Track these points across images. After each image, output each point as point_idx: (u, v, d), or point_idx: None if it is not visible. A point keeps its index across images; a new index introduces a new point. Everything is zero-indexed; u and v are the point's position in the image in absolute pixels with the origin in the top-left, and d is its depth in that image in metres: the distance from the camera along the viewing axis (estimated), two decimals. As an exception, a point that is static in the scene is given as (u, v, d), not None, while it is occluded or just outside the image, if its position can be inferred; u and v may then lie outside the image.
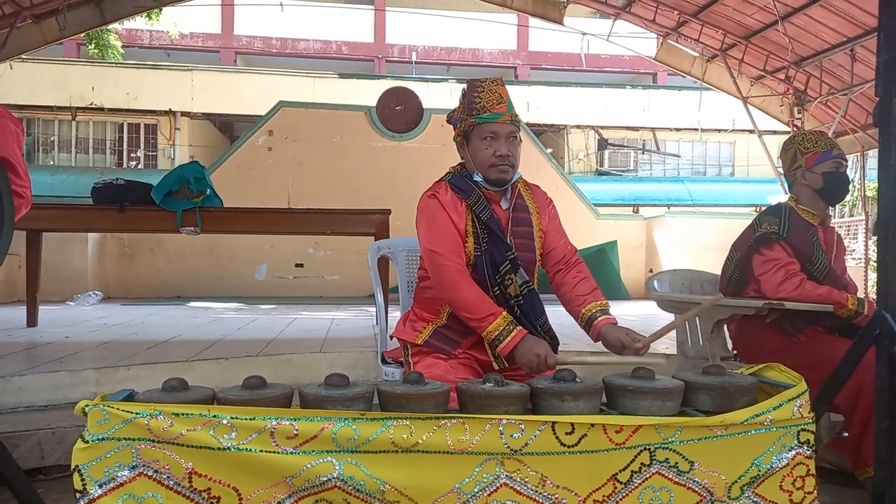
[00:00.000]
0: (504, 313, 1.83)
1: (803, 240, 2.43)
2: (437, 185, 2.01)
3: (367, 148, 10.22)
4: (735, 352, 2.76)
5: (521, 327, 1.83)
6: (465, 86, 2.00)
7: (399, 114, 10.15)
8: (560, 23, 8.20)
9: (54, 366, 3.29)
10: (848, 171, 2.56)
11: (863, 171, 8.89)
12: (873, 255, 8.98)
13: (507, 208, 1.99)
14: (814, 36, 6.71)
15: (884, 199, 1.82)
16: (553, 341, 2.02)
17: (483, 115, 1.91)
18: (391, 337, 2.17)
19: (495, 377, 1.53)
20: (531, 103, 14.81)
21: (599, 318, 1.90)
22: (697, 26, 7.45)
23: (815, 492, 1.57)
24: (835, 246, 2.54)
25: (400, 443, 1.38)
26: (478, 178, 1.96)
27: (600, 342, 1.91)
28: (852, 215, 10.50)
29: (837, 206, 9.72)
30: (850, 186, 2.64)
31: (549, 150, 11.77)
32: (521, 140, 1.99)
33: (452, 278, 1.87)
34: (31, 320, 4.98)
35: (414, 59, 17.81)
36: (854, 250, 9.61)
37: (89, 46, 11.64)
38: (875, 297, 1.84)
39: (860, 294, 2.46)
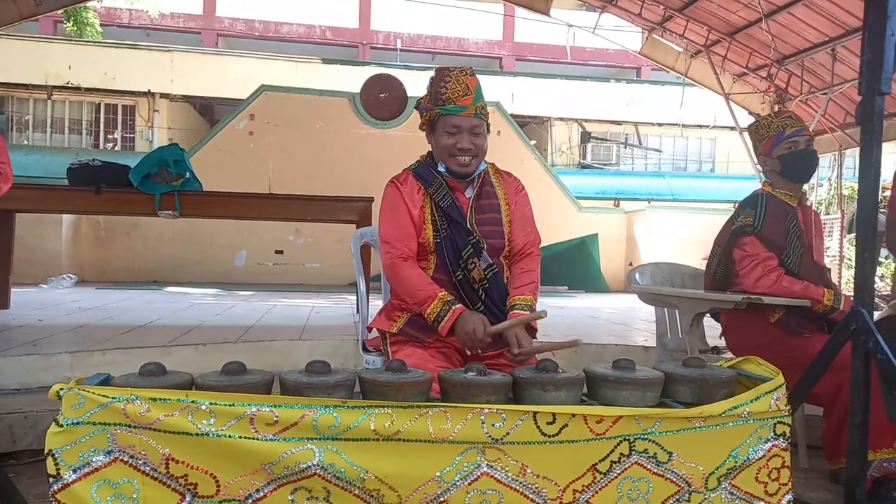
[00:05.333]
0: (441, 294, 1.86)
1: (779, 228, 2.43)
2: (403, 172, 2.05)
3: (350, 135, 10.15)
4: (716, 346, 2.79)
5: (458, 306, 1.85)
6: (433, 73, 2.00)
7: (383, 101, 10.08)
8: (546, 14, 8.16)
9: (27, 349, 3.23)
10: (806, 143, 2.48)
11: (840, 170, 9.03)
12: (847, 252, 9.15)
13: (471, 196, 2.00)
14: (796, 35, 6.77)
15: (863, 196, 1.85)
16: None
17: (447, 106, 1.92)
18: (369, 328, 2.18)
19: (477, 366, 1.53)
20: (515, 94, 14.80)
21: (512, 311, 1.92)
22: (682, 21, 7.47)
23: (790, 483, 1.60)
24: (813, 225, 2.56)
25: (381, 431, 1.37)
26: (441, 168, 1.99)
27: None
28: (828, 213, 10.67)
29: (815, 204, 9.86)
30: (816, 158, 2.59)
31: (532, 142, 11.78)
32: (487, 130, 1.99)
33: (395, 266, 1.93)
34: (3, 302, 4.88)
35: (399, 46, 17.69)
36: (829, 248, 9.78)
37: (66, 23, 11.38)
38: (852, 293, 1.87)
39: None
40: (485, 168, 2.04)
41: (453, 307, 1.84)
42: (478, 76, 2.01)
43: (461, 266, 1.95)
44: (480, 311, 1.94)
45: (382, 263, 2.00)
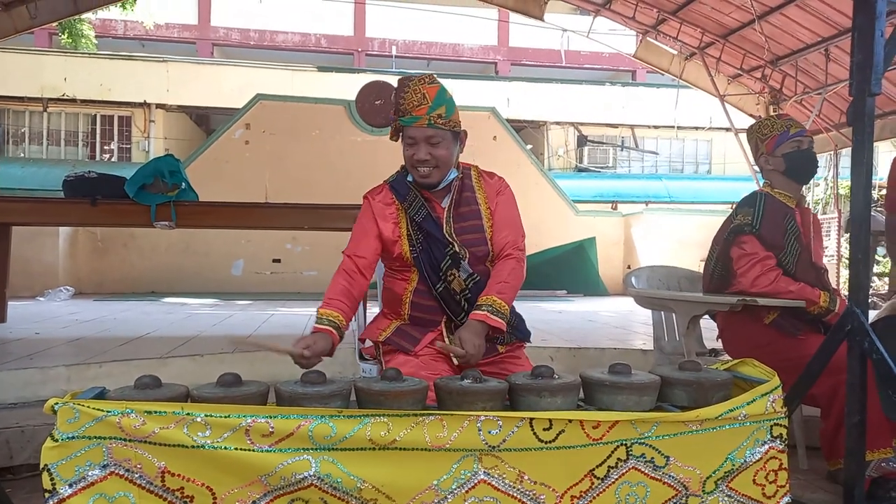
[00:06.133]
0: (321, 311, 1.83)
1: (777, 228, 2.44)
2: (380, 184, 2.03)
3: (346, 142, 10.16)
4: (714, 348, 2.79)
5: (321, 325, 1.80)
6: (396, 83, 1.98)
7: (379, 108, 10.09)
8: (540, 19, 8.18)
9: (24, 363, 3.22)
10: (809, 145, 2.51)
11: (836, 170, 9.04)
12: (845, 252, 9.16)
13: (447, 206, 1.96)
14: (790, 35, 6.79)
15: (856, 197, 1.85)
16: (521, 333, 2.02)
17: (404, 118, 1.89)
18: (360, 338, 2.18)
19: (473, 374, 1.53)
20: (511, 99, 14.83)
21: (473, 312, 1.87)
22: (676, 24, 7.50)
23: (788, 485, 1.60)
24: (811, 227, 2.56)
25: (377, 440, 1.37)
26: (410, 178, 1.97)
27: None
28: (825, 213, 10.69)
29: (812, 204, 9.88)
30: (818, 161, 2.61)
31: (528, 147, 11.79)
32: (459, 140, 1.94)
33: (335, 274, 1.95)
34: (0, 316, 4.87)
35: (394, 53, 17.73)
36: (827, 248, 9.79)
37: (61, 36, 11.37)
38: (847, 293, 1.87)
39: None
40: (458, 176, 1.98)
41: (316, 325, 1.81)
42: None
43: (441, 278, 1.92)
44: (463, 322, 1.90)
45: None
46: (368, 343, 2.18)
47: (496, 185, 2.04)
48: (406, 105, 1.88)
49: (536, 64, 18.35)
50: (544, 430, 1.44)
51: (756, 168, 2.69)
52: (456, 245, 1.92)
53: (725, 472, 1.55)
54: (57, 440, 1.29)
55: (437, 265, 1.92)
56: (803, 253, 2.45)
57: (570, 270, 9.97)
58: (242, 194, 7.45)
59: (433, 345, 1.93)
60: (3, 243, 4.81)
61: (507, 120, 11.46)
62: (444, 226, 1.94)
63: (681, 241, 9.88)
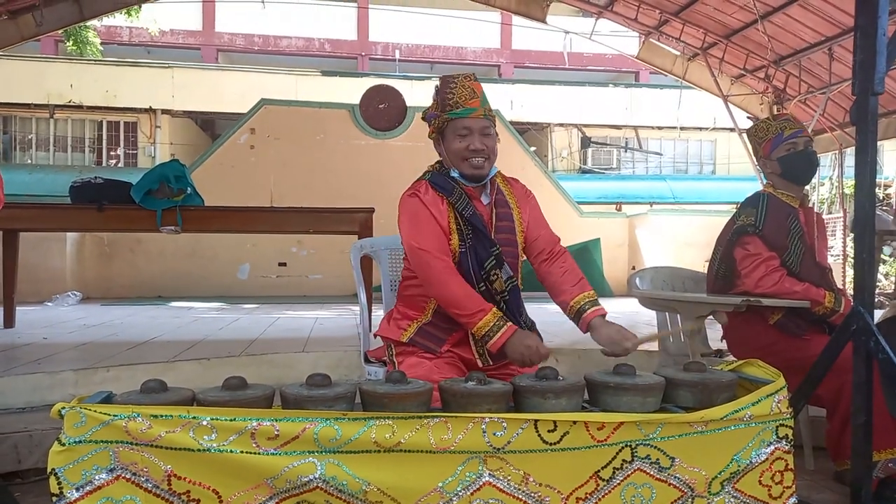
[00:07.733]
0: (494, 309, 1.84)
1: (780, 228, 2.43)
2: (417, 183, 2.01)
3: (350, 146, 10.18)
4: (720, 349, 2.78)
5: (511, 323, 1.83)
6: (437, 82, 2.01)
7: (382, 112, 10.11)
8: (543, 21, 8.20)
9: (32, 367, 3.24)
10: (805, 144, 2.49)
11: (841, 169, 9.01)
12: (851, 251, 9.11)
13: (489, 203, 1.99)
14: (793, 35, 6.79)
15: (860, 196, 1.85)
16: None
17: (456, 111, 1.92)
18: (375, 336, 2.17)
19: (478, 376, 1.53)
20: (514, 101, 14.83)
21: (588, 311, 1.91)
22: (679, 25, 7.50)
23: (794, 486, 1.59)
24: (815, 227, 2.55)
25: (382, 442, 1.37)
26: (454, 174, 1.96)
27: (589, 333, 1.92)
28: (830, 212, 10.64)
29: (817, 203, 9.84)
30: (816, 160, 2.58)
31: (532, 149, 11.79)
32: (496, 133, 2.00)
33: (441, 275, 1.86)
34: (9, 321, 4.90)
35: (397, 56, 17.77)
36: (832, 247, 9.74)
37: (67, 43, 11.46)
38: (853, 293, 1.86)
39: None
40: (496, 173, 2.03)
41: (507, 323, 1.81)
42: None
43: (484, 277, 1.92)
44: None
45: (423, 272, 1.89)
46: (374, 345, 2.18)
47: (521, 188, 2.10)
48: (457, 98, 1.92)
49: (539, 66, 18.35)
50: (549, 431, 1.44)
51: (759, 168, 2.68)
52: (498, 244, 1.94)
53: (731, 473, 1.55)
54: (64, 444, 1.30)
55: (482, 263, 1.92)
56: (807, 253, 2.44)
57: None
58: (248, 199, 7.47)
59: (458, 346, 1.92)
60: (10, 249, 4.85)
61: (511, 122, 11.45)
62: (490, 223, 1.96)
63: (685, 241, 9.85)
